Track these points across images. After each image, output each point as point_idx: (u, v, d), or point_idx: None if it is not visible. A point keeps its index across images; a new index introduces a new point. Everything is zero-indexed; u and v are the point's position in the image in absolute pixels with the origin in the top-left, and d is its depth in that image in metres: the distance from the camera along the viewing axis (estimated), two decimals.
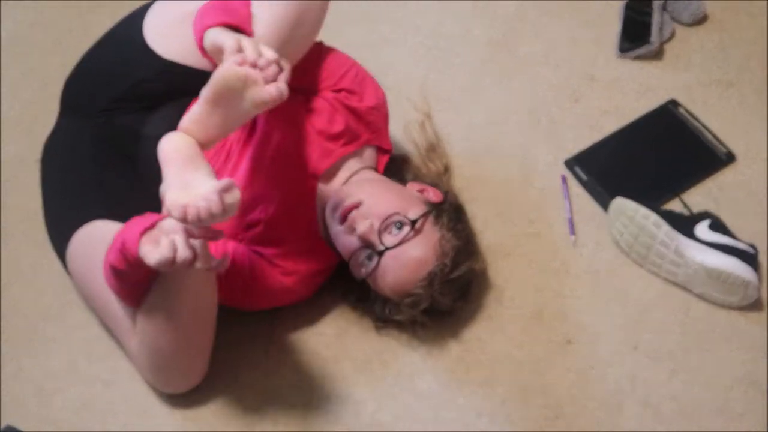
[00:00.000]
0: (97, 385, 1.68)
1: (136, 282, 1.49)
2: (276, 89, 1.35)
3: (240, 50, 1.39)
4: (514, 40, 2.12)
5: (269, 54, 1.38)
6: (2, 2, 2.24)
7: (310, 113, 1.67)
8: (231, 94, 1.38)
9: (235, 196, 1.32)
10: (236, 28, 1.48)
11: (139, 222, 1.41)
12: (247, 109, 1.39)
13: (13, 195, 1.92)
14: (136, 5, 1.75)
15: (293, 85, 1.60)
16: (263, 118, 1.61)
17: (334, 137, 1.67)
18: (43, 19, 2.23)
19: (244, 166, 1.62)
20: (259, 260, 1.64)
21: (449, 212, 1.64)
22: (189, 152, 1.40)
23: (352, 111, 1.68)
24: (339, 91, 1.68)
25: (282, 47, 1.48)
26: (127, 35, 1.69)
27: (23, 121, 2.03)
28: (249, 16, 1.51)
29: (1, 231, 1.87)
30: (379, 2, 2.20)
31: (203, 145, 1.43)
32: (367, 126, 1.71)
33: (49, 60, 2.13)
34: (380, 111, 1.74)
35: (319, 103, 1.68)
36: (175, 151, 1.40)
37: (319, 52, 1.69)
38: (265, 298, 1.67)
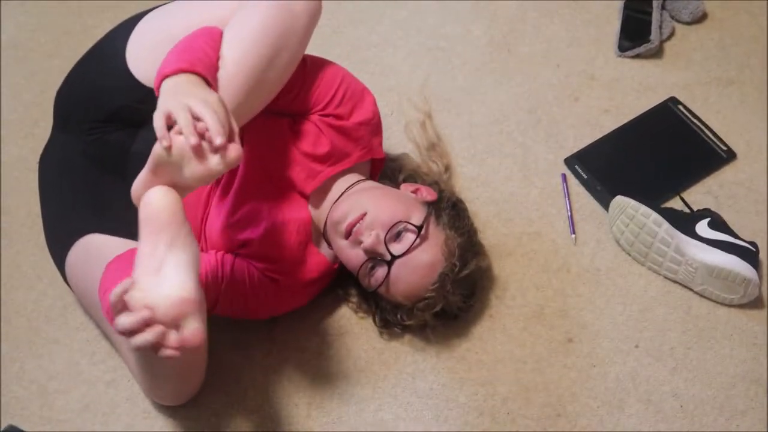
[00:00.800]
0: (99, 386, 1.68)
1: None
2: (216, 163, 1.27)
3: (172, 123, 1.29)
4: (515, 40, 2.12)
5: (210, 122, 1.26)
6: (3, 5, 2.25)
7: (296, 135, 1.64)
8: (171, 167, 1.29)
9: (191, 327, 1.25)
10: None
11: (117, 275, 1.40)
12: (189, 182, 1.30)
13: (15, 197, 1.92)
14: (137, 9, 1.74)
15: (278, 109, 1.59)
16: (247, 143, 1.56)
17: (320, 159, 1.64)
18: (44, 23, 2.23)
19: (234, 186, 1.61)
20: (256, 272, 1.63)
21: (447, 210, 1.64)
22: (168, 215, 1.30)
23: (339, 130, 1.64)
24: (326, 116, 1.64)
25: (259, 80, 1.44)
26: (110, 56, 1.64)
27: (24, 124, 2.04)
28: (212, 61, 1.43)
29: (2, 233, 1.88)
30: (380, 3, 2.20)
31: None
32: (356, 143, 1.66)
33: (50, 63, 2.14)
34: (369, 125, 1.68)
35: (305, 126, 1.64)
36: (156, 212, 1.30)
37: (305, 74, 1.61)
38: (264, 308, 1.67)
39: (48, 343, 1.73)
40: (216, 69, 1.42)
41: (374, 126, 1.69)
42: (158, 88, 1.38)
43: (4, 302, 1.78)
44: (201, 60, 1.39)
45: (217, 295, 1.57)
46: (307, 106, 1.63)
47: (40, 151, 1.79)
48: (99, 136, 1.66)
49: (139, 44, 1.62)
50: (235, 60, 1.44)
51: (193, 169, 1.27)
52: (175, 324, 1.24)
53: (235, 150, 1.27)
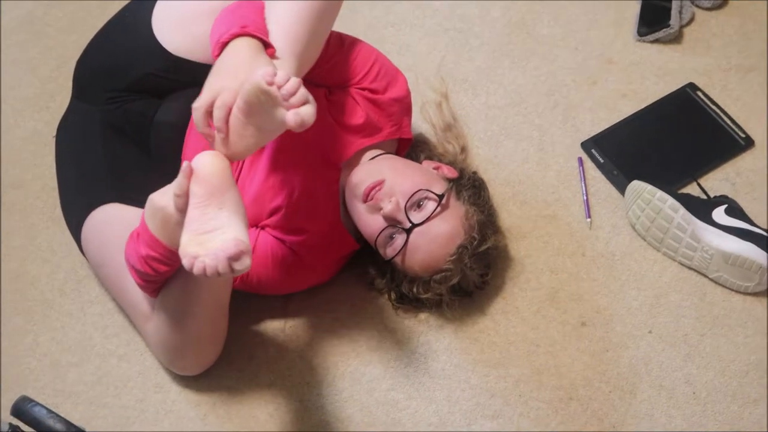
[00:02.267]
0: (112, 360, 1.69)
1: (159, 280, 1.51)
2: (296, 116, 1.27)
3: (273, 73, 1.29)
4: (533, 22, 2.11)
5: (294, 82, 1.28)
6: None
7: (331, 105, 1.67)
8: (263, 107, 1.30)
9: (244, 264, 1.28)
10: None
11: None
12: (277, 125, 1.31)
13: (31, 171, 1.93)
14: None
15: (316, 80, 1.60)
16: None
17: (354, 129, 1.66)
18: None
19: (266, 153, 1.62)
20: (281, 246, 1.63)
21: (468, 187, 1.64)
22: (219, 179, 1.33)
23: (373, 102, 1.68)
24: (362, 89, 1.68)
25: (303, 50, 1.46)
26: (134, 26, 1.68)
27: (41, 99, 2.04)
28: (265, 26, 1.46)
29: (18, 206, 1.88)
30: None
31: (239, 155, 1.37)
32: (388, 118, 1.69)
33: (66, 38, 2.14)
34: (402, 103, 1.72)
35: (341, 96, 1.67)
36: (207, 177, 1.33)
37: (342, 48, 1.66)
38: (286, 283, 1.67)
39: (61, 316, 1.74)
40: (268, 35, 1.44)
41: (406, 105, 1.73)
42: (218, 52, 1.41)
43: (18, 275, 1.79)
44: (254, 22, 1.43)
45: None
46: (344, 78, 1.66)
47: (56, 125, 1.79)
48: (120, 104, 1.67)
49: (167, 14, 1.64)
50: (290, 11, 1.47)
51: (281, 113, 1.28)
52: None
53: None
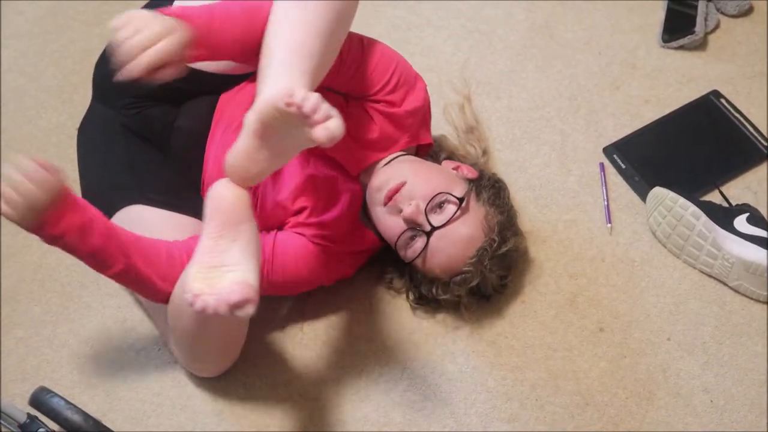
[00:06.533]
0: (130, 353, 1.69)
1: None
2: (326, 131, 1.23)
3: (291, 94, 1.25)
4: (556, 26, 2.10)
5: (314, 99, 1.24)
6: None
7: (346, 117, 1.64)
8: (279, 126, 1.28)
9: (246, 312, 1.25)
10: None
11: None
12: (300, 142, 1.29)
13: (54, 163, 1.93)
14: None
15: (335, 88, 1.59)
16: None
17: (367, 144, 1.65)
18: None
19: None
20: (303, 241, 1.62)
21: (488, 188, 1.63)
22: (235, 210, 1.32)
23: (389, 117, 1.64)
24: (378, 101, 1.64)
25: (317, 64, 1.41)
26: None
27: (64, 91, 2.05)
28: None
29: None
30: None
31: (251, 181, 1.35)
32: (403, 131, 1.67)
33: (89, 31, 2.14)
34: (419, 113, 1.68)
35: (355, 109, 1.64)
36: (223, 207, 1.32)
37: (362, 55, 1.61)
38: (311, 280, 1.67)
39: (80, 308, 1.74)
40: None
41: (422, 116, 1.70)
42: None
43: (39, 266, 1.79)
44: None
45: (262, 276, 1.57)
46: (364, 87, 1.62)
47: (79, 118, 1.80)
48: (138, 110, 1.67)
49: None
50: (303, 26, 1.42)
51: (302, 132, 1.24)
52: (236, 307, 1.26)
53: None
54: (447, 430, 1.60)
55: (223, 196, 1.33)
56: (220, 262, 1.29)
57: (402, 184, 1.58)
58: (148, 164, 1.66)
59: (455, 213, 1.57)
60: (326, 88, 1.56)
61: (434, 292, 1.64)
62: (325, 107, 1.23)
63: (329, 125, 1.22)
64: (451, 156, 1.78)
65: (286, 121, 1.26)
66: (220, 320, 1.47)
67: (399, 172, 1.61)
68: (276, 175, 1.62)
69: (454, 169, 1.68)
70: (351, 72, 1.59)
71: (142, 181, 1.65)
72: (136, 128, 1.68)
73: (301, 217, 1.62)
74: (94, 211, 1.44)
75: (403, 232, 1.59)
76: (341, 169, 1.65)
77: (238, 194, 1.33)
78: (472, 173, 1.68)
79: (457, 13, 2.13)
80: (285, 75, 1.36)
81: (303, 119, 1.23)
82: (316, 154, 1.61)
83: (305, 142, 1.27)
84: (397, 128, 1.66)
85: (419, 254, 1.59)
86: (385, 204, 1.59)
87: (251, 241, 1.32)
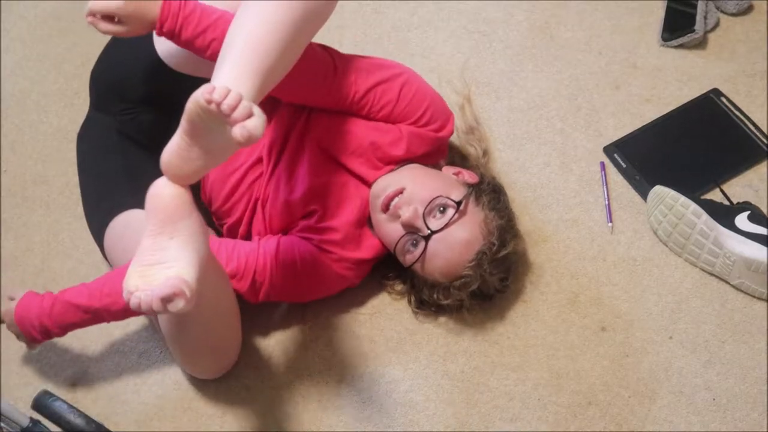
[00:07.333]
0: (132, 356, 1.70)
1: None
2: (243, 130, 1.20)
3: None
4: (557, 26, 2.10)
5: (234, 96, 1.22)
6: None
7: (376, 129, 1.65)
8: (205, 125, 1.26)
9: (176, 307, 1.25)
10: None
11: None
12: (225, 143, 1.26)
13: (54, 167, 1.94)
14: None
15: (368, 118, 1.64)
16: (319, 125, 1.64)
17: (390, 159, 1.66)
18: None
19: (305, 160, 1.63)
20: (309, 247, 1.63)
21: (488, 192, 1.63)
22: (172, 207, 1.31)
23: (418, 136, 1.66)
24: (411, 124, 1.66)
25: (273, 65, 1.37)
26: (138, 41, 1.62)
27: (65, 95, 2.05)
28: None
29: (40, 202, 1.89)
30: None
31: (187, 179, 1.34)
32: (426, 154, 1.68)
33: (91, 35, 2.11)
34: (443, 142, 1.72)
35: (387, 126, 1.66)
36: (160, 205, 1.32)
37: (398, 97, 1.63)
38: (316, 288, 1.67)
39: None
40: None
41: (444, 143, 1.73)
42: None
43: (41, 270, 1.80)
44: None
45: (263, 280, 1.59)
46: (394, 120, 1.65)
47: (80, 121, 1.80)
48: (134, 116, 1.68)
49: None
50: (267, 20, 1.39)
51: (229, 130, 1.22)
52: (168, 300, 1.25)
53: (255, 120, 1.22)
54: (449, 430, 1.61)
55: (160, 194, 1.32)
56: (157, 260, 1.28)
57: (400, 190, 1.59)
58: (144, 170, 1.66)
59: (453, 217, 1.57)
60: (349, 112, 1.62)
61: (435, 297, 1.64)
62: (245, 105, 1.20)
63: (247, 124, 1.20)
64: (452, 159, 1.79)
65: (211, 120, 1.24)
66: (194, 320, 1.48)
67: (398, 178, 1.62)
68: (290, 175, 1.63)
69: (454, 174, 1.69)
70: (386, 112, 1.63)
71: (138, 187, 1.65)
72: (132, 134, 1.69)
73: (312, 221, 1.63)
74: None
75: (401, 237, 1.59)
76: (356, 176, 1.66)
77: (176, 192, 1.32)
78: (472, 178, 1.68)
79: (457, 13, 2.13)
80: (233, 72, 1.33)
81: (223, 117, 1.21)
82: (334, 160, 1.63)
83: (231, 142, 1.22)
84: (420, 146, 1.67)
85: (418, 259, 1.59)
86: (383, 210, 1.60)
87: (192, 237, 1.31)
